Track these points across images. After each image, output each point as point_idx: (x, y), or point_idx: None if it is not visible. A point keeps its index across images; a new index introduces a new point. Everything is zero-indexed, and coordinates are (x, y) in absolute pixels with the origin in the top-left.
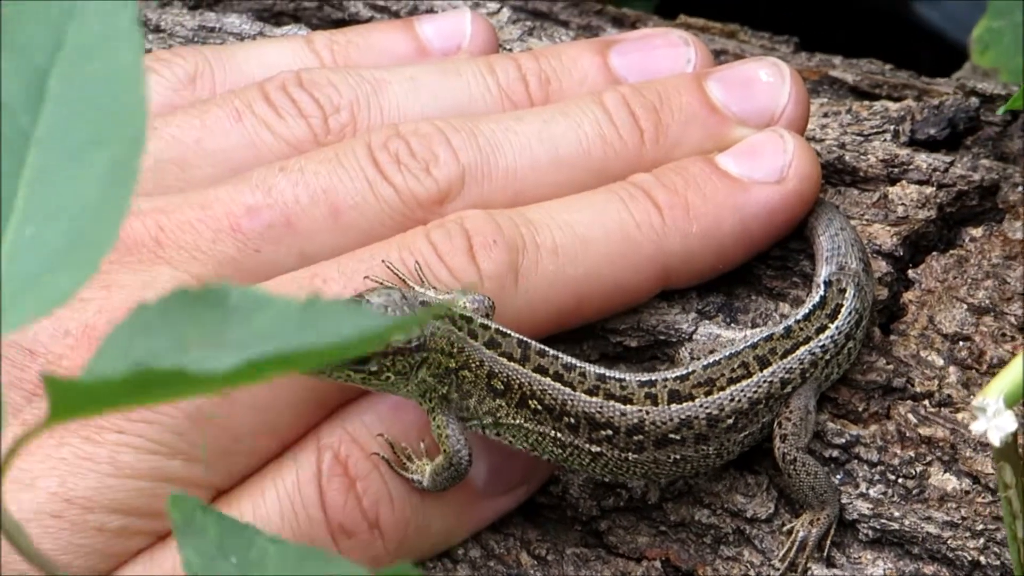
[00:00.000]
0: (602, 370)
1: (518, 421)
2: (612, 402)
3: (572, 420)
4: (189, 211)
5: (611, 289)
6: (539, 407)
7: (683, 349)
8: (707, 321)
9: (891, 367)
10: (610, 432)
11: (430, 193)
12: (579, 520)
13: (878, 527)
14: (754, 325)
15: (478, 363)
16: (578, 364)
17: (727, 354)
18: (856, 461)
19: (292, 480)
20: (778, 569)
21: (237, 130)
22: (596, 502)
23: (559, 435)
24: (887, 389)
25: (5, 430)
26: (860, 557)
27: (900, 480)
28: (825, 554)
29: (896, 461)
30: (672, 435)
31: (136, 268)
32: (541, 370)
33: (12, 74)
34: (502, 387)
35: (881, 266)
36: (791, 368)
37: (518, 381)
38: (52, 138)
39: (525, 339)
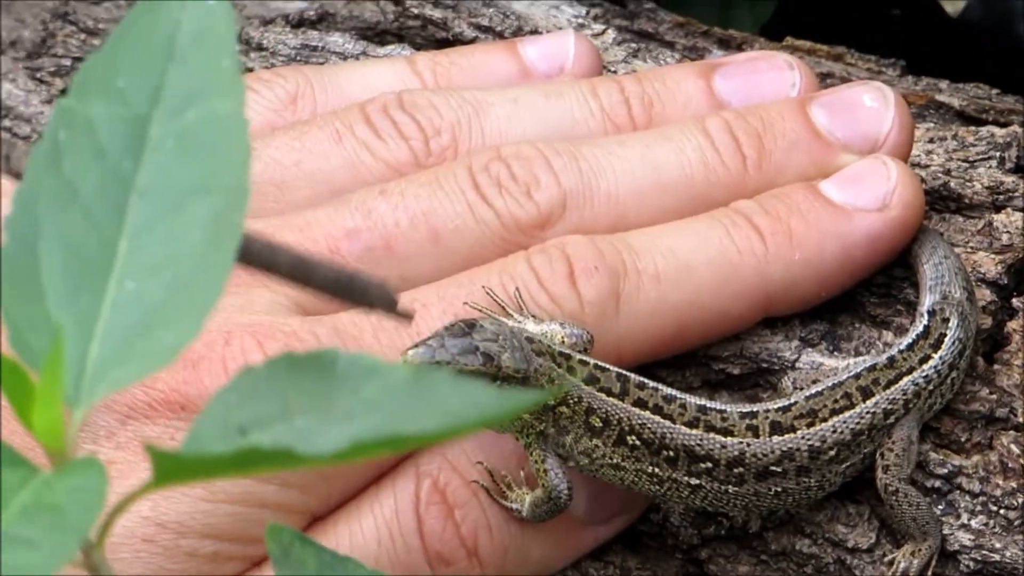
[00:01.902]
0: (703, 401)
1: (615, 460)
2: (712, 434)
3: (671, 454)
4: (288, 233)
5: (712, 316)
6: (637, 442)
7: (786, 378)
8: (810, 349)
9: (994, 397)
10: (710, 465)
11: (531, 217)
12: (679, 548)
13: (979, 558)
14: (857, 353)
15: (576, 399)
16: (678, 395)
17: (830, 384)
18: (958, 492)
19: (390, 507)
20: None
21: (337, 152)
22: (697, 531)
23: (657, 470)
24: (990, 419)
25: (99, 452)
26: None
27: (1002, 511)
28: None
29: (998, 492)
30: (773, 467)
31: (234, 291)
32: (640, 403)
33: (111, 120)
34: (600, 424)
35: (985, 294)
36: (894, 399)
37: (616, 416)
38: (154, 187)
39: (624, 372)
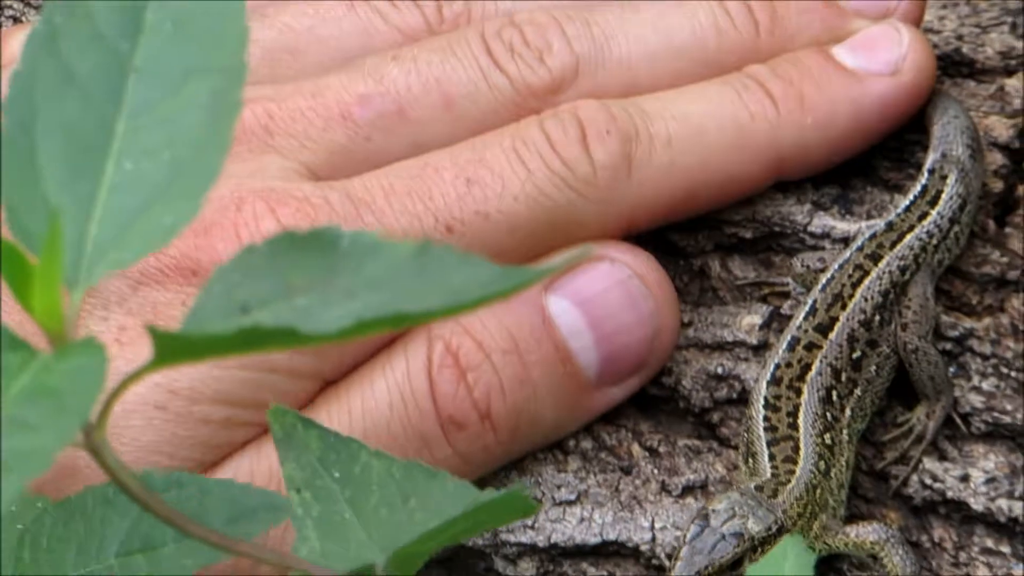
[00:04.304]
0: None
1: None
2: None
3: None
4: (300, 99)
5: (724, 180)
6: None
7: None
8: (822, 212)
9: (1005, 260)
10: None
11: (544, 82)
12: (691, 412)
13: (990, 420)
14: (869, 216)
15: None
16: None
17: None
18: (969, 354)
19: (403, 370)
20: (885, 459)
21: (350, 18)
22: (709, 394)
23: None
24: (1001, 282)
25: (110, 319)
26: (971, 451)
27: (1013, 373)
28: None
29: (1009, 354)
30: (854, 356)
31: (245, 157)
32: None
33: (108, 4)
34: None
35: (996, 158)
36: (904, 255)
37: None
38: (151, 68)
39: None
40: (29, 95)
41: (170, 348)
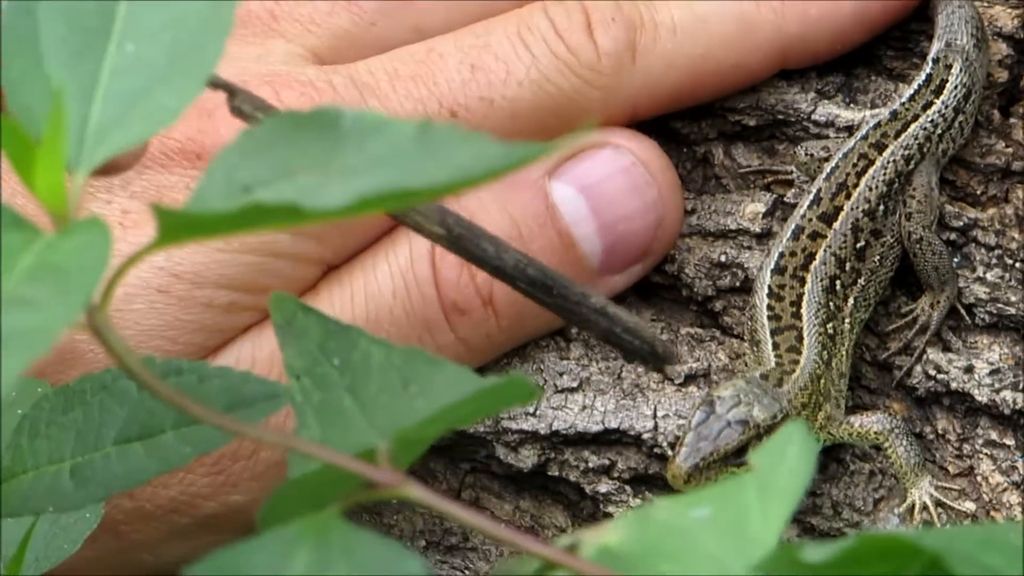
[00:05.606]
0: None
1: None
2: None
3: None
4: None
5: (728, 69)
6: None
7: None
8: (826, 101)
9: (1010, 150)
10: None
11: None
12: (694, 300)
13: (995, 311)
14: (873, 105)
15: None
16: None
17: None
18: (974, 244)
19: (405, 256)
20: (889, 349)
21: None
22: (712, 282)
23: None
24: (1006, 172)
25: (113, 202)
26: (976, 342)
27: (1018, 264)
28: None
29: (1014, 245)
30: (858, 245)
31: (250, 40)
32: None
33: None
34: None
35: (1001, 48)
36: (908, 144)
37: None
38: None
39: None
40: None
41: (174, 227)
